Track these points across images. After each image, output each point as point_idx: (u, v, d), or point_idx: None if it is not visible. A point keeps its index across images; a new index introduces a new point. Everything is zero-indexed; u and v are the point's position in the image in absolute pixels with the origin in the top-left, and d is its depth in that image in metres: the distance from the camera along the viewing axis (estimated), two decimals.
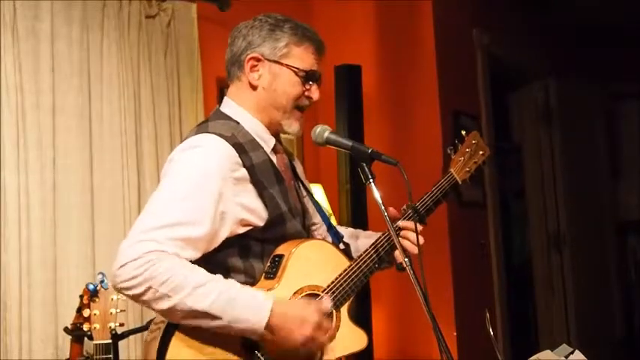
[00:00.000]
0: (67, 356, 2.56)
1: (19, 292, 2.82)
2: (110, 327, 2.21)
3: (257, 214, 1.87)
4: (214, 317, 1.72)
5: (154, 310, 1.76)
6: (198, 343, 1.77)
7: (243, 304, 1.74)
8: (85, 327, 2.21)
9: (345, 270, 1.97)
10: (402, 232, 2.02)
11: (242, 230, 1.87)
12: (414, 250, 1.97)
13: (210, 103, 3.61)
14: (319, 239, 2.08)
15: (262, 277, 1.89)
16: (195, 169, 1.82)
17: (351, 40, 4.14)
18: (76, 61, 3.10)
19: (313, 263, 1.93)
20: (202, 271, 1.75)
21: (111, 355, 2.23)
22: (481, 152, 2.25)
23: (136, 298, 1.72)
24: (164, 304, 1.71)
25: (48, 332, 2.87)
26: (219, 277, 1.77)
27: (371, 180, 1.87)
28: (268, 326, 1.75)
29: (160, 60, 3.39)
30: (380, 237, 2.03)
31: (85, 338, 2.40)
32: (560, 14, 5.49)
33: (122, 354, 2.69)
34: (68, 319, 2.56)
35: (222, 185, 1.81)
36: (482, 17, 4.62)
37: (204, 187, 1.79)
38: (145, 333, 2.98)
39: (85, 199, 3.06)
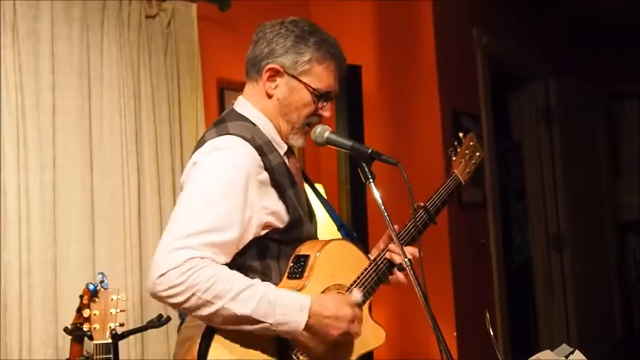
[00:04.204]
0: (67, 356, 2.56)
1: (19, 292, 2.82)
2: (110, 327, 2.21)
3: (279, 216, 1.89)
4: (256, 321, 1.76)
5: (194, 315, 1.79)
6: (236, 344, 1.81)
7: (283, 306, 1.78)
8: (85, 327, 2.21)
9: (366, 269, 2.01)
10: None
11: (263, 232, 1.89)
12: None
13: (210, 103, 3.61)
14: (342, 239, 2.10)
15: (285, 276, 1.92)
16: (221, 173, 1.82)
17: (351, 40, 4.12)
18: (76, 61, 3.10)
19: (338, 263, 1.96)
20: (241, 276, 1.79)
21: (111, 355, 2.23)
22: (478, 154, 2.32)
23: (178, 305, 1.74)
24: (207, 310, 1.74)
25: (48, 332, 2.87)
26: (257, 281, 1.80)
27: (371, 180, 1.88)
28: (307, 327, 1.80)
29: (159, 60, 3.38)
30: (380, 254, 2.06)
31: (85, 338, 2.40)
32: (561, 14, 5.49)
33: (122, 354, 2.69)
34: (68, 319, 2.56)
35: (247, 189, 1.82)
36: (482, 17, 4.62)
37: (232, 191, 1.80)
38: (145, 334, 3.01)
39: (85, 199, 3.06)
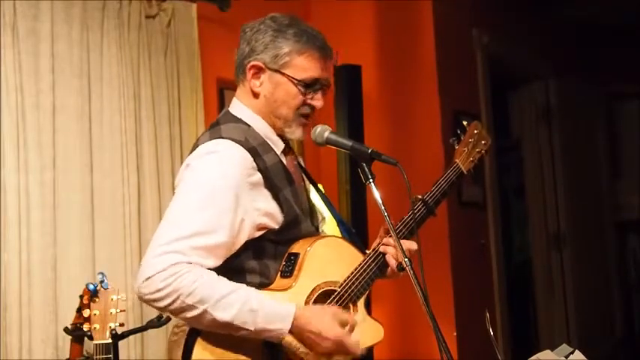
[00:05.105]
0: (67, 356, 2.56)
1: (19, 292, 2.83)
2: (110, 327, 2.20)
3: (273, 217, 1.88)
4: (238, 327, 1.76)
5: (180, 318, 1.80)
6: (221, 346, 1.81)
7: (265, 315, 1.77)
8: (85, 327, 2.21)
9: (360, 264, 1.98)
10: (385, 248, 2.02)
11: (259, 234, 1.88)
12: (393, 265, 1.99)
13: (210, 103, 3.61)
14: (333, 236, 2.09)
15: (278, 275, 1.91)
16: (212, 177, 1.82)
17: (351, 40, 4.13)
18: (76, 61, 3.11)
19: (329, 260, 1.95)
20: (226, 281, 1.78)
21: (111, 355, 2.23)
22: (483, 142, 2.26)
23: (163, 309, 1.76)
24: (191, 314, 1.75)
25: (48, 332, 2.87)
26: (242, 286, 1.80)
27: (371, 180, 1.87)
28: (289, 335, 1.80)
29: (159, 60, 3.39)
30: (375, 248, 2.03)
31: (85, 338, 2.40)
32: (560, 14, 5.49)
33: (122, 354, 2.69)
34: (68, 319, 2.56)
35: (239, 192, 1.82)
36: (482, 17, 4.62)
37: (223, 194, 1.80)
38: (145, 334, 3.01)
39: (85, 199, 3.06)
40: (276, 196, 1.88)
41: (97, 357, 2.21)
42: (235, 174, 1.83)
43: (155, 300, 1.73)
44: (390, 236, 1.99)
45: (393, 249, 1.98)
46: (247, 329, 1.76)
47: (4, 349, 2.77)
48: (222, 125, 1.93)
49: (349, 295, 1.95)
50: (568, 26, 5.73)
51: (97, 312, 2.20)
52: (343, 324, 1.86)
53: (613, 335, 6.20)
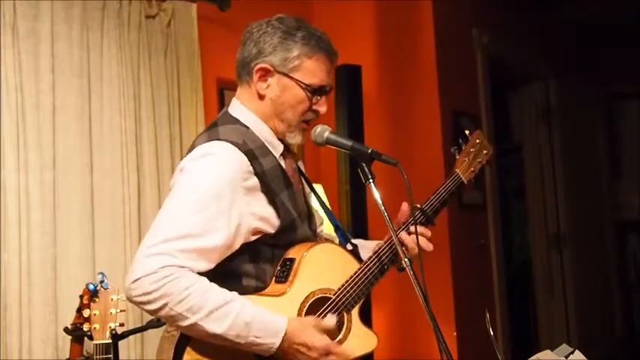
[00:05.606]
0: (67, 356, 2.56)
1: (19, 292, 2.83)
2: (110, 327, 2.20)
3: (269, 222, 1.86)
4: (229, 340, 1.75)
5: (171, 325, 1.79)
6: (211, 354, 1.79)
7: (258, 329, 1.76)
8: (85, 327, 2.21)
9: (356, 272, 1.96)
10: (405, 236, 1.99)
11: (254, 238, 1.87)
12: (415, 250, 1.97)
13: (210, 103, 3.61)
14: (330, 242, 2.07)
15: (273, 280, 1.89)
16: (207, 179, 1.80)
17: (351, 40, 4.13)
18: (76, 61, 3.10)
19: (324, 266, 1.93)
20: (218, 290, 1.76)
21: (111, 355, 2.23)
22: (485, 151, 2.24)
23: (152, 312, 1.74)
24: (181, 323, 1.72)
25: (48, 332, 2.87)
26: (235, 297, 1.77)
27: (371, 180, 1.87)
28: (279, 349, 1.78)
29: (159, 60, 3.39)
30: (382, 245, 2.01)
31: (85, 338, 2.40)
32: (560, 14, 5.49)
33: (122, 354, 2.69)
34: (68, 319, 2.56)
35: (234, 195, 1.80)
36: (482, 17, 4.63)
37: (217, 197, 1.78)
38: (145, 334, 3.01)
39: (85, 199, 3.06)
40: (272, 201, 1.86)
41: (97, 357, 2.21)
42: (230, 177, 1.80)
43: (143, 303, 1.70)
44: (405, 230, 1.98)
45: (411, 241, 1.96)
46: (238, 342, 1.75)
47: (4, 349, 2.77)
48: (219, 127, 1.91)
49: (344, 302, 1.93)
50: (568, 26, 5.74)
51: (97, 312, 2.20)
52: (326, 331, 1.85)
53: (613, 335, 6.20)
